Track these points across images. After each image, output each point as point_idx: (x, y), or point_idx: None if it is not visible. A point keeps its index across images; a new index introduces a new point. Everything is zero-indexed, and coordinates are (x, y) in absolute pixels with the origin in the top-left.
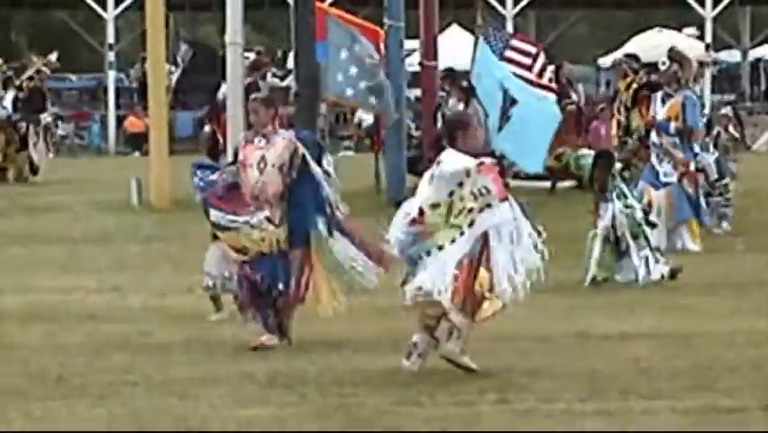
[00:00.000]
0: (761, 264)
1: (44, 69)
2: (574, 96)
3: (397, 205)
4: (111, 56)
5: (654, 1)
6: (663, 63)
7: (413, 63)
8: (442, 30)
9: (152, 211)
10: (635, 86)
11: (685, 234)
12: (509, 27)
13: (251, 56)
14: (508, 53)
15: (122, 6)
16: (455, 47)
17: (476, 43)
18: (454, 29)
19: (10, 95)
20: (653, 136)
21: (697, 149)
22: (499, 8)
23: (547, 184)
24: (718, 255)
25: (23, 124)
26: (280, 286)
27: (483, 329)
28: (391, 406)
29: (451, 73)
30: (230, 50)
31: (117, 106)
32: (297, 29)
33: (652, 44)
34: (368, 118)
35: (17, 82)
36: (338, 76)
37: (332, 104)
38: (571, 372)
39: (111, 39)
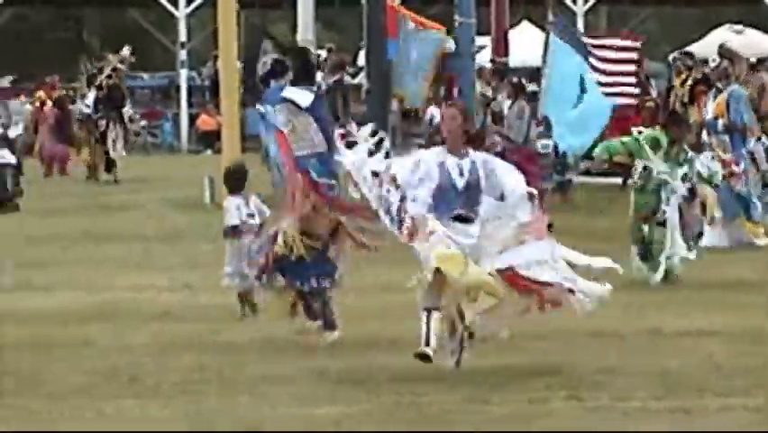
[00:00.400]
0: None
1: (120, 65)
2: (653, 93)
3: None
4: (183, 54)
5: None
6: (714, 60)
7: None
8: (512, 26)
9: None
10: (689, 82)
11: (744, 231)
12: (580, 23)
13: (322, 53)
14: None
15: (194, 5)
16: (526, 43)
17: (547, 39)
18: (525, 25)
19: (92, 94)
20: (704, 135)
21: (752, 144)
22: (570, 4)
23: (619, 180)
24: None
25: (103, 122)
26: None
27: (555, 326)
28: (461, 404)
29: (500, 69)
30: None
31: (189, 105)
32: (369, 26)
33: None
34: (436, 115)
35: (97, 81)
36: (407, 74)
37: (401, 101)
38: (644, 369)
39: (183, 37)
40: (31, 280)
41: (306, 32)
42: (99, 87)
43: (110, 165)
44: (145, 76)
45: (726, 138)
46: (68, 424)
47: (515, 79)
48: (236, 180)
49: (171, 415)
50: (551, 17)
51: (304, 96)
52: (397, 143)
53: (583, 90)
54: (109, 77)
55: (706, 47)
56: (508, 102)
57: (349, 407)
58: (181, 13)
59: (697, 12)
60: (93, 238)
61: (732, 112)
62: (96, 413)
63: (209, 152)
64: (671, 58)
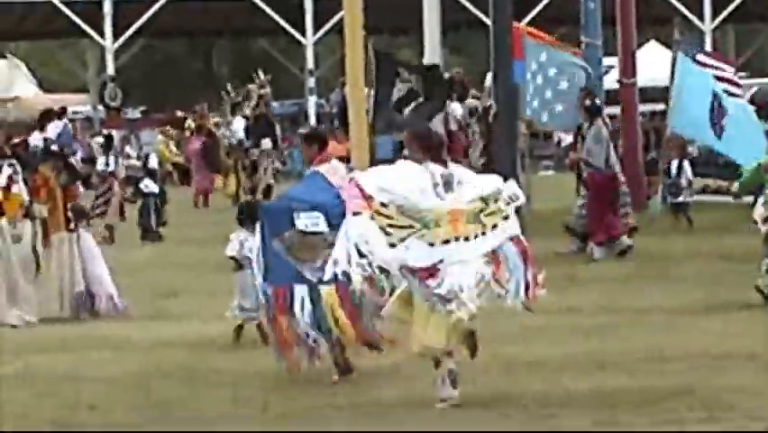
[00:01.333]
0: None
1: (262, 91)
2: None
3: None
4: (311, 81)
5: None
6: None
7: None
8: (640, 46)
9: None
10: None
11: None
12: (708, 41)
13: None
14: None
15: (321, 32)
16: (654, 63)
17: (674, 58)
18: (652, 45)
19: (238, 121)
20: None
21: None
22: (697, 23)
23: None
24: None
25: (256, 151)
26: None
27: (686, 348)
28: (590, 427)
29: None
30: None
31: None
32: (496, 49)
33: None
34: (567, 137)
35: (244, 110)
36: (534, 99)
37: (528, 125)
38: None
39: (311, 64)
40: (167, 308)
41: (432, 57)
42: (247, 117)
43: (268, 192)
44: (274, 104)
45: None
46: None
47: (588, 102)
48: (245, 216)
49: None
50: (677, 36)
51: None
52: (525, 166)
53: (720, 106)
54: (257, 105)
55: None
56: (586, 125)
57: (484, 429)
58: (309, 40)
59: None
60: (221, 267)
61: None
62: None
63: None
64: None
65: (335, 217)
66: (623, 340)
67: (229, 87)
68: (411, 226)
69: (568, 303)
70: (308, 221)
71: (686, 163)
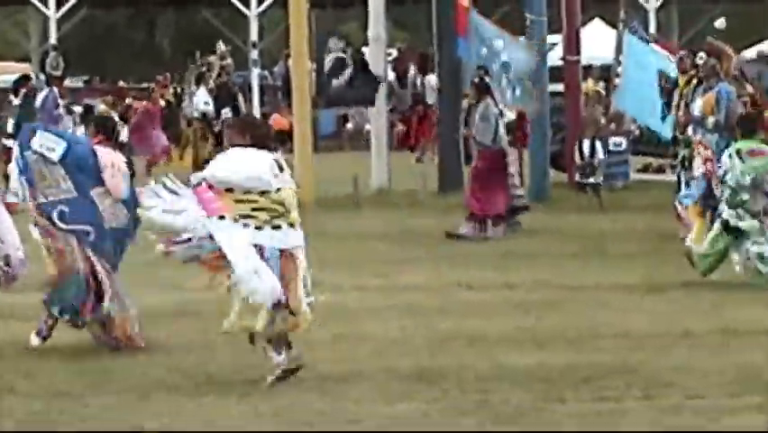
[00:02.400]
0: None
1: (224, 62)
2: (749, 89)
3: (538, 199)
4: (254, 54)
5: None
6: (701, 58)
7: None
8: (584, 24)
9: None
10: (695, 81)
11: None
12: (652, 20)
13: (393, 52)
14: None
15: (265, 4)
16: (598, 41)
17: (620, 37)
18: (596, 23)
19: (202, 92)
20: (690, 132)
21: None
22: (642, 2)
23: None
24: None
25: (216, 122)
26: None
27: (626, 326)
28: (535, 402)
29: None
30: (372, 46)
31: (261, 104)
32: (439, 25)
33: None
34: (509, 114)
35: (209, 81)
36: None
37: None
38: (717, 367)
39: (254, 37)
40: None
41: (376, 31)
42: (210, 88)
43: None
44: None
45: (714, 137)
46: (150, 422)
47: (476, 80)
48: None
49: (249, 413)
50: (622, 15)
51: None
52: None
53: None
54: (218, 75)
55: None
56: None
57: (424, 405)
58: (252, 12)
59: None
60: None
61: (722, 110)
62: (174, 411)
63: (281, 151)
64: (677, 56)
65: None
66: (562, 317)
67: (197, 56)
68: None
69: (506, 279)
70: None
71: (598, 143)
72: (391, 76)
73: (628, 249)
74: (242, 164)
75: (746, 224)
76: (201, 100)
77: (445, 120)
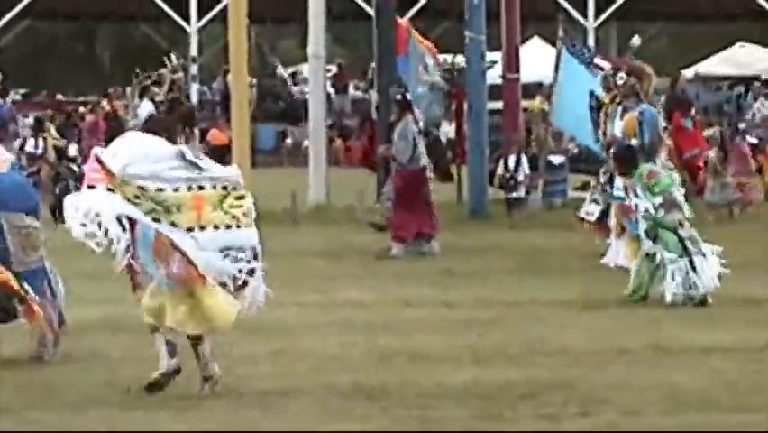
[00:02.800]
0: None
1: (175, 76)
2: (692, 111)
3: (476, 216)
4: (194, 69)
5: (734, 15)
6: (621, 78)
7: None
8: (523, 42)
9: None
10: (618, 99)
11: (623, 250)
12: (591, 39)
13: (333, 68)
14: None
15: (204, 19)
16: (537, 59)
17: (558, 54)
18: (536, 41)
19: (146, 105)
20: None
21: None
22: (581, 20)
23: None
24: None
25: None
26: None
27: (563, 343)
28: (472, 420)
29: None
30: (312, 62)
31: (200, 119)
32: (379, 42)
33: (734, 59)
34: (449, 131)
35: (160, 96)
36: (416, 89)
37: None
38: (653, 385)
39: (194, 51)
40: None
41: (316, 47)
42: (156, 102)
43: None
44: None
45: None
46: None
47: (398, 97)
48: None
49: (184, 427)
50: (561, 33)
51: None
52: None
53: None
54: (170, 89)
55: (715, 65)
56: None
57: (363, 423)
58: (192, 27)
59: (707, 28)
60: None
61: (645, 132)
62: (106, 423)
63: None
64: (601, 75)
65: None
66: (501, 334)
67: (137, 70)
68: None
69: (446, 296)
70: None
71: (524, 158)
72: (331, 92)
73: (566, 266)
74: (155, 153)
75: (667, 255)
76: (146, 111)
77: (385, 136)
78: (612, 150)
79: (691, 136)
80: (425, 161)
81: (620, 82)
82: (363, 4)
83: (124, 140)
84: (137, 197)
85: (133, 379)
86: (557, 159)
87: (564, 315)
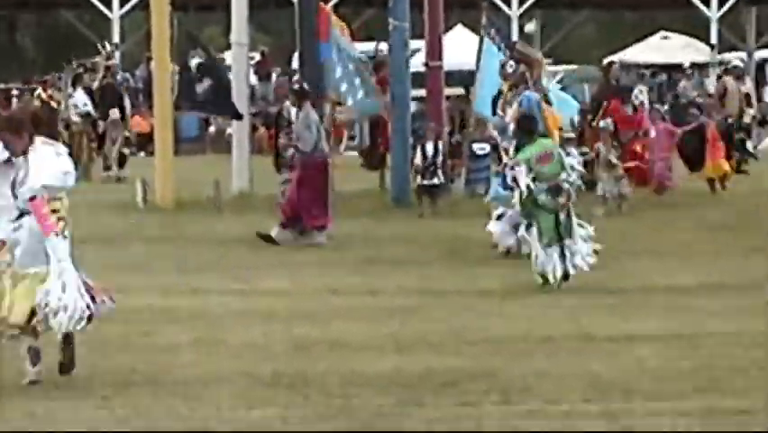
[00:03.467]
0: (764, 265)
1: (110, 63)
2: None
3: (400, 204)
4: (116, 56)
5: (659, 2)
6: (511, 66)
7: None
8: (447, 30)
9: (157, 211)
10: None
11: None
12: (514, 27)
13: (256, 56)
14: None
15: (127, 6)
16: (460, 47)
17: (481, 43)
18: (459, 29)
19: (80, 93)
20: (496, 135)
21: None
22: (504, 8)
23: None
24: (724, 256)
25: (102, 123)
26: None
27: (485, 331)
28: (394, 407)
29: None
30: (235, 50)
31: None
32: (301, 29)
33: (658, 47)
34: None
35: (94, 84)
36: (338, 77)
37: (335, 104)
38: (574, 373)
39: (116, 39)
40: None
41: (239, 35)
42: (90, 89)
43: (123, 160)
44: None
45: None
46: (4, 426)
47: (296, 86)
48: None
49: (106, 416)
50: (484, 21)
51: None
52: (329, 145)
53: None
54: (104, 76)
55: (639, 53)
56: (294, 110)
57: (285, 410)
58: (115, 14)
59: (633, 16)
60: None
61: None
62: (26, 414)
63: (142, 154)
64: (499, 62)
65: None
66: (423, 322)
67: (72, 59)
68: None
69: (370, 285)
70: None
71: (441, 145)
72: (254, 79)
73: (487, 254)
74: (57, 164)
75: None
76: (80, 101)
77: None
78: (517, 119)
79: (632, 120)
80: (326, 150)
81: (510, 70)
82: None
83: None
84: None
85: (55, 368)
86: (480, 147)
87: (487, 303)
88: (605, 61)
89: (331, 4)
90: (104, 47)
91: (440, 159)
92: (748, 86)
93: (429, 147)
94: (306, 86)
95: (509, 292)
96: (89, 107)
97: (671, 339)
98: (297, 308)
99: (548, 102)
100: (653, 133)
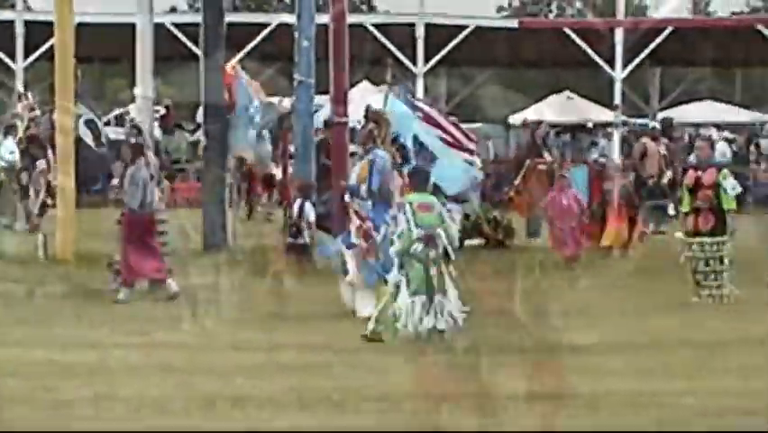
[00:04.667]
0: (667, 324)
1: (32, 114)
2: (548, 157)
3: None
4: (20, 107)
5: (564, 62)
6: (359, 122)
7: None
8: (352, 85)
9: (58, 264)
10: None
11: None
12: (420, 84)
13: (161, 110)
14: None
15: (31, 57)
16: (366, 103)
17: (385, 99)
18: (365, 85)
19: (10, 141)
20: (347, 197)
21: (393, 211)
22: (410, 65)
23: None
24: (627, 315)
25: (24, 176)
26: None
27: (383, 388)
28: None
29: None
30: (140, 102)
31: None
32: (206, 84)
33: (562, 107)
34: (278, 172)
35: (19, 132)
36: (244, 133)
37: (239, 160)
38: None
39: (20, 89)
40: None
41: (144, 88)
42: (20, 139)
43: (44, 211)
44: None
45: (369, 204)
46: None
47: (133, 140)
48: None
49: None
50: (389, 77)
51: None
52: (233, 201)
53: (422, 149)
54: (28, 127)
55: (541, 112)
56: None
57: None
58: (19, 65)
59: (537, 75)
60: None
61: (374, 178)
62: None
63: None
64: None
65: None
66: (328, 378)
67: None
68: None
69: (275, 340)
70: None
71: (308, 205)
72: (158, 132)
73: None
74: None
75: (413, 273)
76: (7, 150)
77: (212, 178)
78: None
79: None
80: (155, 206)
81: (359, 127)
82: (191, 45)
83: None
84: None
85: None
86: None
87: (386, 360)
88: (528, 120)
89: (238, 57)
90: (26, 96)
91: (306, 219)
92: (663, 147)
93: (296, 206)
94: (140, 140)
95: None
96: (14, 156)
97: (568, 398)
98: (199, 363)
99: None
100: (564, 201)
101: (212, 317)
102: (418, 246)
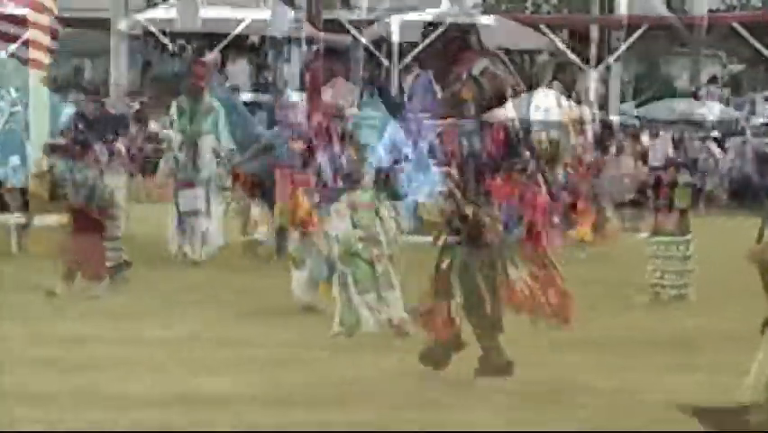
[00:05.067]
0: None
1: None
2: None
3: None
4: None
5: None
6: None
7: None
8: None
9: (33, 257)
10: None
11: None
12: (394, 80)
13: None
14: None
15: None
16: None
17: (360, 97)
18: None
19: None
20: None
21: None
22: (385, 62)
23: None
24: (598, 312)
25: None
26: None
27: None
28: None
29: None
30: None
31: None
32: None
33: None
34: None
35: None
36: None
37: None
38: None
39: None
40: None
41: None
42: None
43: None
44: None
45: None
46: None
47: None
48: None
49: None
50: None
51: None
52: None
53: None
54: None
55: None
56: None
57: None
58: None
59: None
60: None
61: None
62: None
63: None
64: None
65: None
66: (305, 373)
67: None
68: None
69: (245, 335)
70: None
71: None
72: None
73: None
74: None
75: (359, 272)
76: None
77: None
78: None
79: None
80: (109, 204)
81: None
82: None
83: None
84: None
85: None
86: None
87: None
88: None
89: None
90: None
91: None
92: (644, 144)
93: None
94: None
95: (387, 347)
96: None
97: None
98: (183, 357)
99: None
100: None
101: (189, 314)
102: (359, 245)
